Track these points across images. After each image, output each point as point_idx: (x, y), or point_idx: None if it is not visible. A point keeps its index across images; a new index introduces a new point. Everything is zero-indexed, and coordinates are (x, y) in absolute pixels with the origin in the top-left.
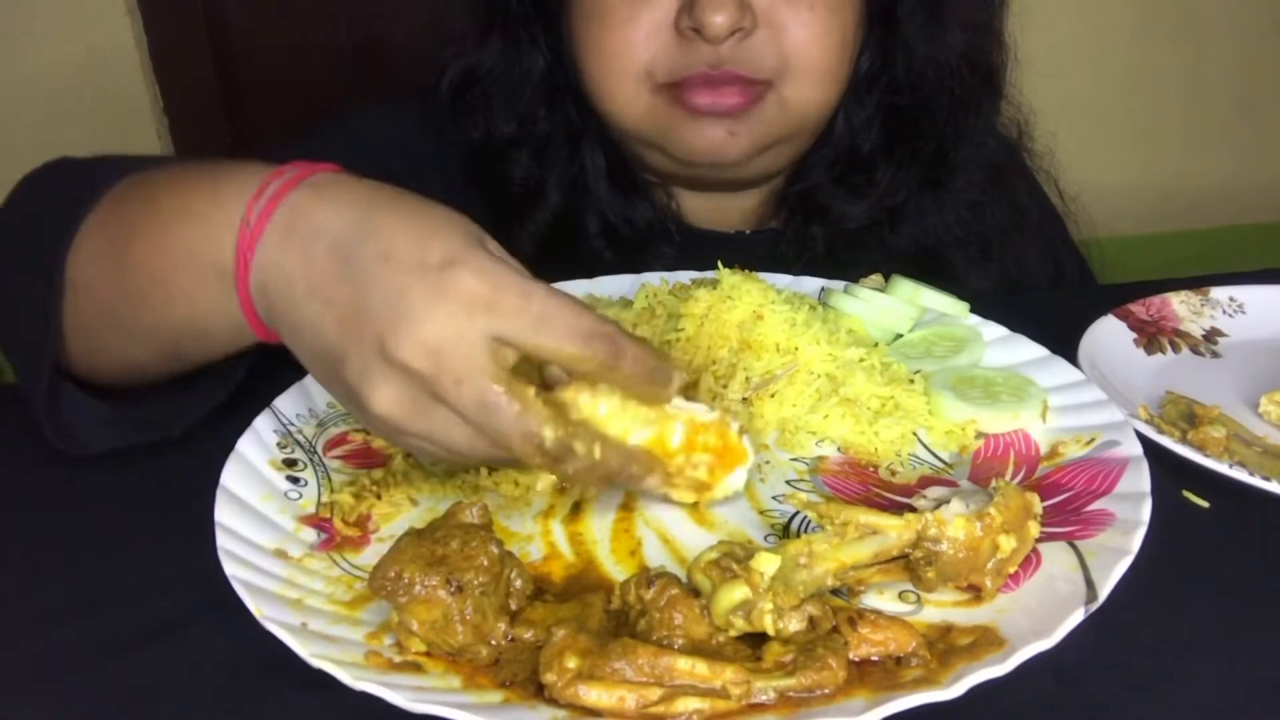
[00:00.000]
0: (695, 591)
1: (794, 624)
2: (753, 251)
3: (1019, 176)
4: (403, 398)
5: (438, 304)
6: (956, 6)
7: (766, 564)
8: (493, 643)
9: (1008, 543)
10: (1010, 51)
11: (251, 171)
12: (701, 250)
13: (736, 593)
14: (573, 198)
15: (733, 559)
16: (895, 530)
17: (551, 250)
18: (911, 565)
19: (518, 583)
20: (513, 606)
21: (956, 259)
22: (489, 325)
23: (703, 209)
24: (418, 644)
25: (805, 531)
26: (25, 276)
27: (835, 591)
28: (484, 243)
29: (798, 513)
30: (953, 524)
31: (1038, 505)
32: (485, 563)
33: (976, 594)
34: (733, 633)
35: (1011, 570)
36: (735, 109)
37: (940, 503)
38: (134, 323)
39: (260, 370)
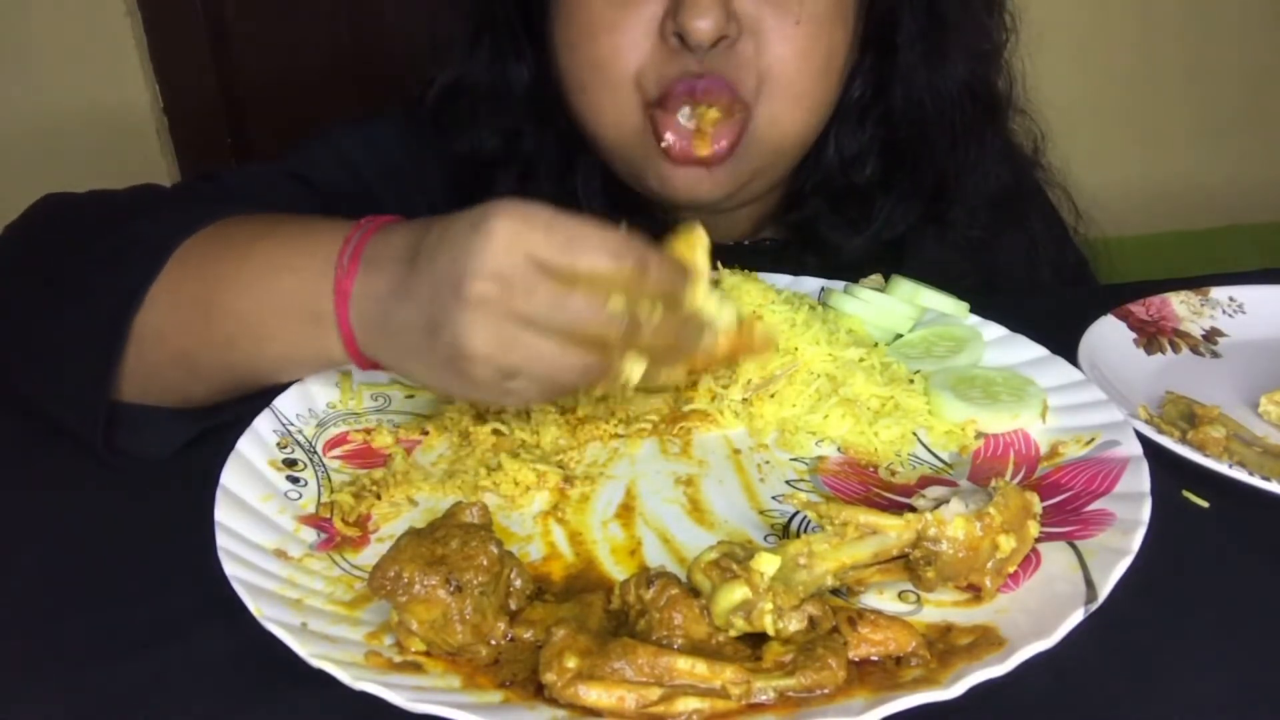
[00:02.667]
0: (695, 591)
1: (794, 624)
2: (750, 262)
3: (1032, 202)
4: (492, 331)
5: (486, 245)
6: (959, 36)
7: (766, 564)
8: (492, 642)
9: (1007, 542)
10: (1018, 78)
11: (334, 226)
12: None
13: (736, 593)
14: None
15: (733, 559)
16: (895, 530)
17: None
18: (911, 565)
19: (517, 582)
20: (512, 606)
21: (959, 291)
22: (530, 253)
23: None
24: (417, 643)
25: (805, 531)
26: (78, 328)
27: (835, 591)
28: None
29: (798, 513)
30: (952, 524)
31: (1037, 505)
32: (485, 562)
33: (976, 594)
34: (733, 633)
35: (1011, 570)
36: (716, 158)
37: (940, 502)
38: (212, 364)
39: None
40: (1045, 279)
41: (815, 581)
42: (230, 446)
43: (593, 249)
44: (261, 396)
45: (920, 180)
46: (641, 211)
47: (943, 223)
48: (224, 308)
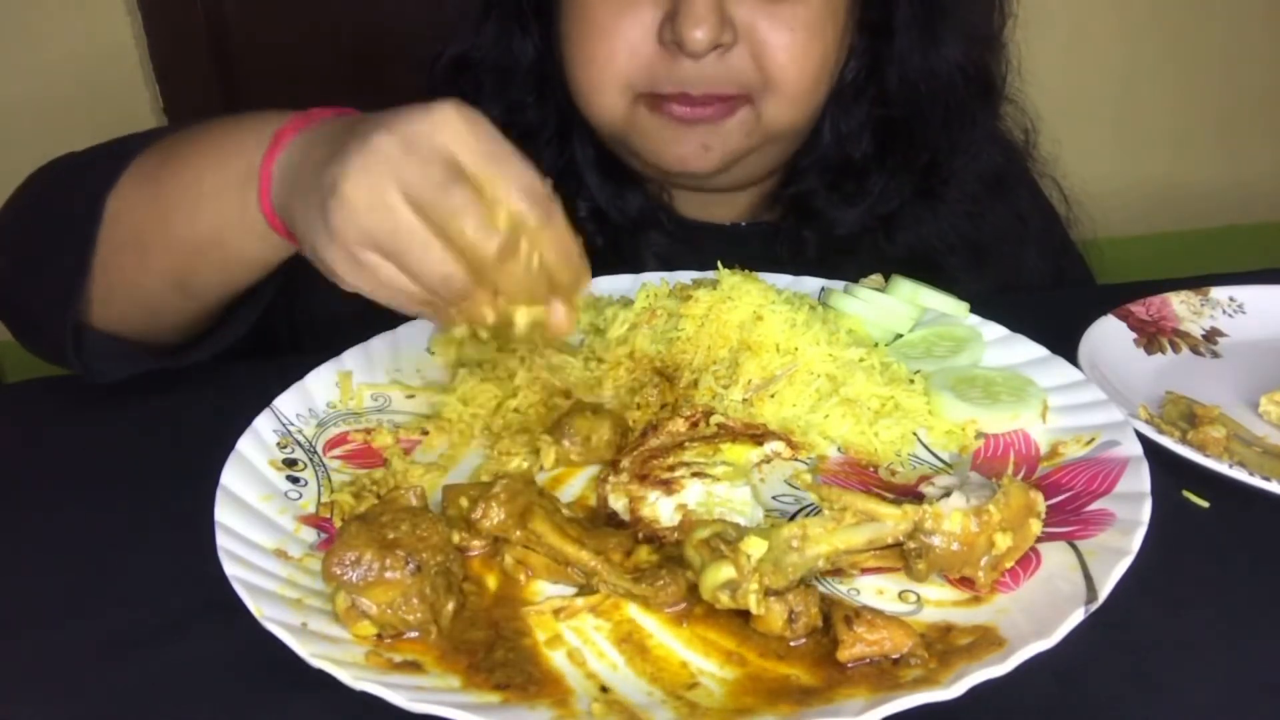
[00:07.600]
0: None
1: (776, 609)
2: (746, 244)
3: (1021, 183)
4: (373, 182)
5: (416, 116)
6: (954, 20)
7: (754, 547)
8: (442, 623)
9: (1004, 540)
10: (1012, 61)
11: (289, 112)
12: (694, 240)
13: (723, 572)
14: (562, 184)
15: (723, 539)
16: (892, 519)
17: None
18: (904, 553)
19: (454, 566)
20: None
21: (950, 265)
22: (448, 145)
23: (695, 202)
24: (367, 628)
25: None
26: (64, 220)
27: (829, 574)
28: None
29: (797, 513)
30: (949, 518)
31: (1041, 504)
32: (438, 542)
33: (974, 593)
34: (719, 607)
35: (1008, 566)
36: (709, 118)
37: (948, 490)
38: (157, 238)
39: (259, 371)
40: (1032, 258)
41: (806, 564)
42: (231, 446)
43: (510, 176)
44: (260, 395)
45: (914, 157)
46: (636, 182)
47: (934, 197)
48: (169, 176)
